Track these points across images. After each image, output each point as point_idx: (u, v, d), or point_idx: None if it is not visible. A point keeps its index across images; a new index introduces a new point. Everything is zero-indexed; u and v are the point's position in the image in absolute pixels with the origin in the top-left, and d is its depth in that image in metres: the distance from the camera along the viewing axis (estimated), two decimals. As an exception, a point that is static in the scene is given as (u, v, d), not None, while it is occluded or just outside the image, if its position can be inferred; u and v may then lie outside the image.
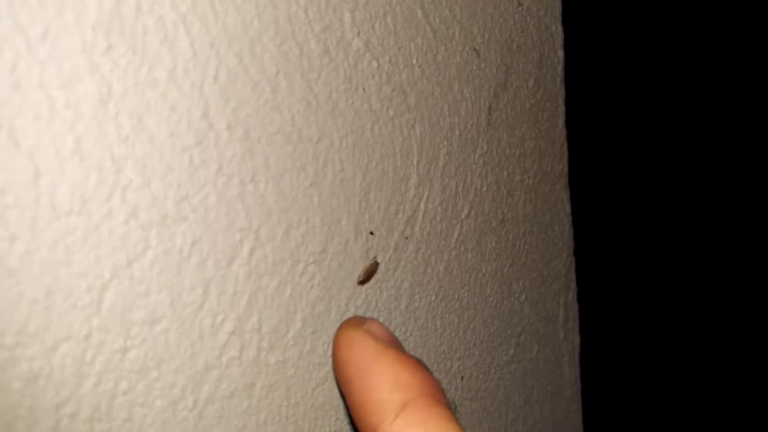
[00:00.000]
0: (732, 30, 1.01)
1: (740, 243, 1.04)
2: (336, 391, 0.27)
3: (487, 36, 0.34)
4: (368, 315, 0.29)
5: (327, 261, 0.27)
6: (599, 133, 0.94)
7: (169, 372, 0.22)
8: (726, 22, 1.01)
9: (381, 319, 0.29)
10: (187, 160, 0.22)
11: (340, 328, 0.25)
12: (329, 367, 0.27)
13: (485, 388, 0.36)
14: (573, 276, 0.43)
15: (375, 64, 0.28)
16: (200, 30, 0.22)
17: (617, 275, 1.00)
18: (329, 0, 0.26)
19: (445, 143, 0.32)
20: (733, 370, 1.03)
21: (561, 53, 0.40)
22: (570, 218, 0.42)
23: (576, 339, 0.43)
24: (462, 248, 0.33)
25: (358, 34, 0.27)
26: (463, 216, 0.33)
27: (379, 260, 0.29)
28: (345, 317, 0.27)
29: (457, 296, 0.33)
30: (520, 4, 0.36)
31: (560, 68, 0.40)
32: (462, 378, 0.34)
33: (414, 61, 0.30)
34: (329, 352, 0.27)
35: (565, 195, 0.42)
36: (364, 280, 0.28)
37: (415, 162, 0.30)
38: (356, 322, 0.25)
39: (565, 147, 0.41)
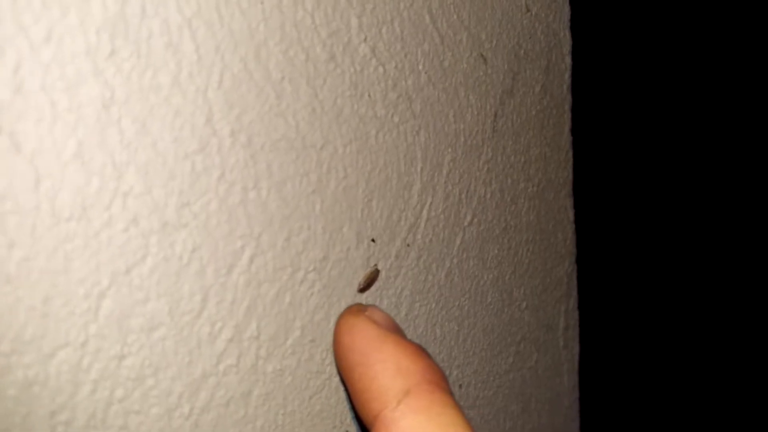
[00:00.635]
0: (745, 44, 1.00)
1: (744, 258, 1.04)
2: (333, 400, 0.27)
3: (494, 42, 0.34)
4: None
5: (328, 268, 0.26)
6: (604, 140, 0.93)
7: (165, 379, 0.22)
8: (739, 35, 1.00)
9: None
10: (190, 167, 0.22)
11: (341, 316, 0.25)
12: (327, 375, 0.27)
13: (483, 396, 0.36)
14: (574, 284, 0.43)
15: (381, 69, 0.28)
16: (205, 34, 0.22)
17: (617, 283, 0.99)
18: (336, 5, 0.25)
19: (450, 150, 0.31)
20: (734, 380, 1.03)
21: (569, 60, 0.40)
22: (573, 226, 0.42)
23: (575, 347, 0.43)
24: (464, 256, 0.33)
25: (365, 39, 0.27)
26: (465, 223, 0.33)
27: (380, 267, 0.29)
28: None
29: (457, 304, 0.33)
30: (528, 10, 0.36)
31: (567, 75, 0.40)
32: (460, 386, 0.34)
33: (420, 67, 0.29)
34: (327, 361, 0.27)
35: (568, 203, 0.41)
36: (364, 287, 0.28)
37: (419, 169, 0.30)
38: (358, 308, 0.25)
39: (570, 154, 0.41)
